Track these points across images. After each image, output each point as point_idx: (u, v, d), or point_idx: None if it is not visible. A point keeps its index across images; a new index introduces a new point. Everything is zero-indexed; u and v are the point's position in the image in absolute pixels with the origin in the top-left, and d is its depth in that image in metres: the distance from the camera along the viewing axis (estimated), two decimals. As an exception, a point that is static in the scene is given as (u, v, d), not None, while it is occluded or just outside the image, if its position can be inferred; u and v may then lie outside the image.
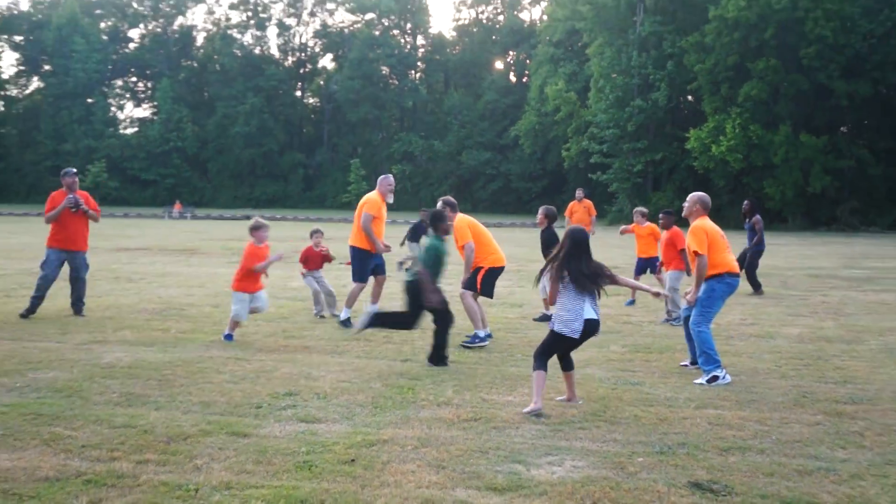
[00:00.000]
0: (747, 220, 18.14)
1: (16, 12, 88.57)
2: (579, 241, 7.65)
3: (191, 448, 6.22)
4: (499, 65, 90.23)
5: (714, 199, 47.71)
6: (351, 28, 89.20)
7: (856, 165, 49.24)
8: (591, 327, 7.47)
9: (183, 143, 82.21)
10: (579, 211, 20.77)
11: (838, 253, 30.72)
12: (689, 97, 56.48)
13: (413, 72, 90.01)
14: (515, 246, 30.04)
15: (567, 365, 7.76)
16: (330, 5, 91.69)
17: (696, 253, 9.10)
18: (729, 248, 9.32)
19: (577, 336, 7.47)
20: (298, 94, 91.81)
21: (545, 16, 79.41)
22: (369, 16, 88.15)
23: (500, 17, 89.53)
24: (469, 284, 10.81)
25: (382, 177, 12.41)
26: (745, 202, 18.70)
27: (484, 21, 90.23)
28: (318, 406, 7.49)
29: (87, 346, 10.10)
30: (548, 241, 13.00)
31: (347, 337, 11.01)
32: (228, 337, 10.55)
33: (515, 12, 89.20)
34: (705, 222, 9.34)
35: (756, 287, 17.28)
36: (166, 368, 8.84)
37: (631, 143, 56.24)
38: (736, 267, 9.42)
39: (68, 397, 7.59)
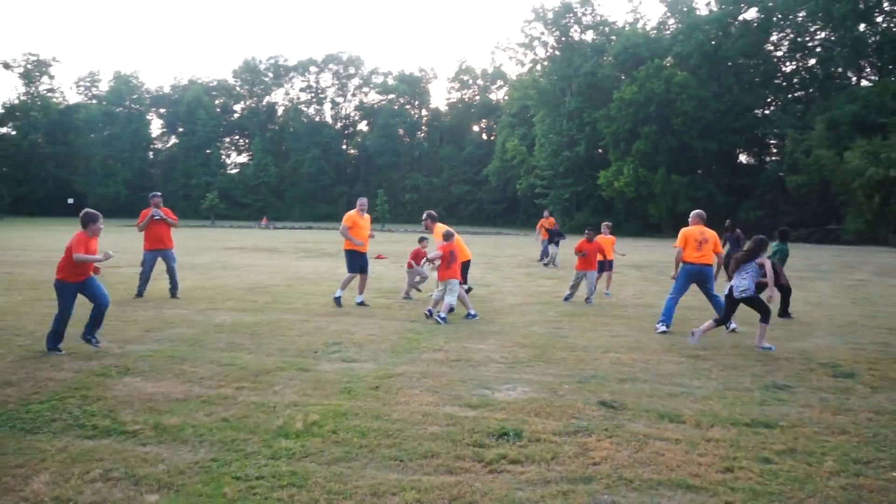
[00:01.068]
0: (730, 233, 17.15)
1: (161, 93, 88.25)
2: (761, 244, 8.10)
3: (271, 379, 6.19)
4: (475, 128, 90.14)
5: (615, 217, 47.76)
6: (378, 104, 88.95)
7: (707, 196, 49.28)
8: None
9: (268, 179, 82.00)
10: (546, 225, 21.32)
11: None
12: (600, 150, 56.40)
13: (419, 132, 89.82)
14: (487, 247, 29.96)
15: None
16: (365, 89, 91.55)
17: (675, 246, 9.23)
18: (700, 247, 9.00)
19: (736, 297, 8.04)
20: (344, 147, 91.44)
21: (506, 96, 79.36)
22: (391, 96, 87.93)
23: (477, 97, 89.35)
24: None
25: (360, 199, 11.69)
26: (728, 221, 17.77)
27: (466, 99, 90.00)
28: (354, 351, 7.45)
29: (204, 311, 10.04)
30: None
31: (377, 305, 10.97)
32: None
33: (487, 94, 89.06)
34: (690, 228, 9.22)
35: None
36: (256, 327, 8.79)
37: (562, 179, 56.19)
38: (696, 259, 9.04)
39: (191, 346, 7.54)
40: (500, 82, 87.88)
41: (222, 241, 30.44)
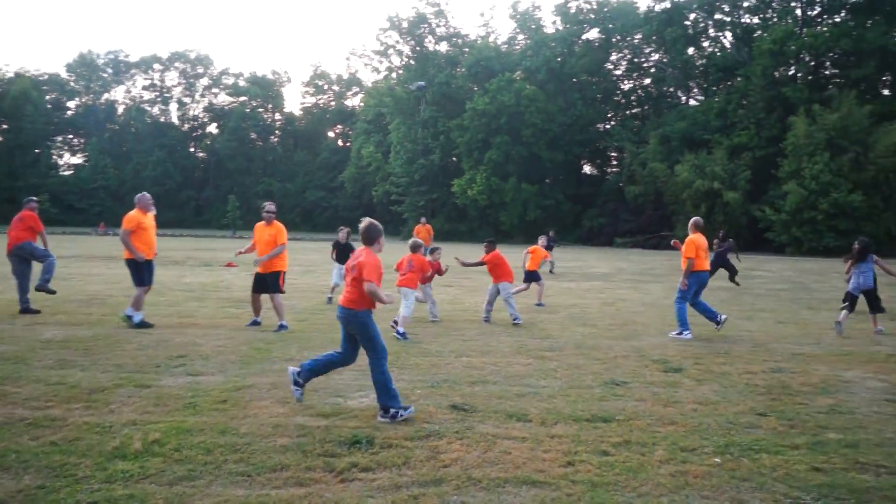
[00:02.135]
0: (725, 241, 17.59)
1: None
2: (866, 246, 10.44)
3: (107, 397, 5.77)
4: (331, 134, 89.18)
5: (468, 223, 48.84)
6: (229, 106, 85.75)
7: (555, 204, 51.79)
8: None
9: (107, 182, 76.55)
10: (422, 231, 21.71)
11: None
12: (454, 158, 57.63)
13: (272, 136, 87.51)
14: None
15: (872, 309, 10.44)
16: (215, 90, 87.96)
17: (687, 256, 9.52)
18: (707, 255, 9.81)
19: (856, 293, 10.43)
20: (192, 149, 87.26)
21: (362, 103, 79.24)
22: (242, 98, 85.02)
23: (332, 103, 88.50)
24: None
25: (140, 194, 9.96)
26: (721, 231, 18.36)
27: (321, 105, 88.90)
28: (201, 364, 7.12)
29: (31, 326, 9.20)
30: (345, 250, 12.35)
31: (226, 315, 10.55)
32: None
33: (342, 100, 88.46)
34: (698, 237, 9.64)
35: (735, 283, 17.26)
36: (91, 341, 8.17)
37: (417, 187, 56.86)
38: (707, 267, 9.84)
39: (15, 364, 6.87)
40: (355, 88, 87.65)
41: (54, 250, 28.00)
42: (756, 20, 47.91)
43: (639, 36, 54.26)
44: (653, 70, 55.78)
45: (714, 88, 50.58)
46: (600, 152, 57.70)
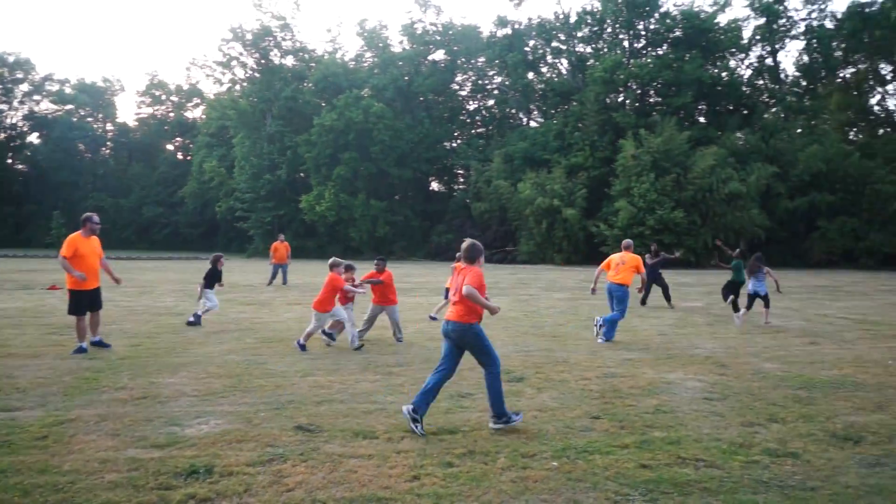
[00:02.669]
0: (657, 256, 16.63)
1: None
2: (759, 259, 13.12)
3: None
4: (169, 147, 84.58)
5: (317, 239, 48.03)
6: (54, 114, 78.98)
7: (404, 220, 52.28)
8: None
9: None
10: (281, 249, 21.25)
11: (398, 273, 32.39)
12: (302, 174, 56.61)
13: (103, 148, 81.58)
14: (187, 272, 28.19)
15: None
16: (37, 97, 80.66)
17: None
18: (618, 269, 10.92)
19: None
20: (9, 161, 79.34)
21: (203, 115, 75.94)
22: (69, 106, 78.65)
23: (171, 114, 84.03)
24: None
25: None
26: (653, 245, 17.54)
27: (158, 116, 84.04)
28: (17, 398, 6.47)
29: None
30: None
31: (48, 343, 9.66)
32: None
33: (182, 111, 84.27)
34: (623, 254, 11.17)
35: (668, 300, 16.30)
36: None
37: (263, 203, 55.23)
38: (615, 280, 11.01)
39: None
40: (196, 100, 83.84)
41: None
42: (589, 49, 51.29)
43: (482, 59, 56.29)
44: (496, 92, 58.05)
45: (553, 111, 53.43)
46: (448, 169, 59.07)
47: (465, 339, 5.82)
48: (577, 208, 40.82)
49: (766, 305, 13.18)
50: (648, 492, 4.35)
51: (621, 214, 37.48)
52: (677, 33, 45.43)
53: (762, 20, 48.44)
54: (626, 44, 48.37)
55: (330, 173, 51.63)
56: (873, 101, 56.22)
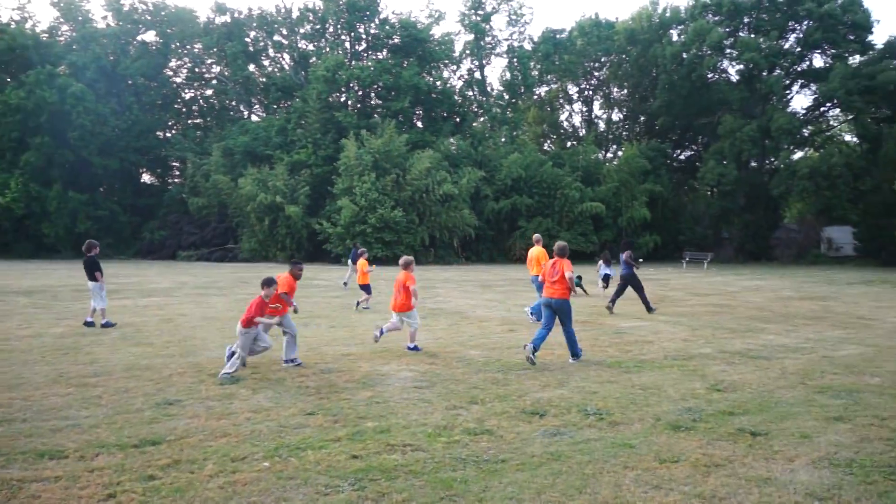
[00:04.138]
0: (620, 254, 15.62)
1: None
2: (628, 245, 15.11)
3: None
4: None
5: (2, 237, 41.74)
6: None
7: (110, 215, 47.55)
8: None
9: None
10: None
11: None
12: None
13: None
14: None
15: None
16: None
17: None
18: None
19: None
20: None
21: None
22: None
23: None
24: None
25: None
26: (624, 242, 17.14)
27: None
28: None
29: None
30: None
31: None
32: None
33: None
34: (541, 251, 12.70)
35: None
36: None
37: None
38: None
39: None
40: None
41: None
42: (311, 47, 51.29)
43: (199, 45, 53.34)
44: (215, 82, 55.38)
45: (275, 106, 52.45)
46: (161, 161, 54.83)
47: (563, 308, 8.95)
48: (301, 206, 40.65)
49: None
50: (357, 481, 4.48)
51: (344, 212, 38.12)
52: (396, 40, 47.42)
53: (471, 36, 52.62)
54: (347, 45, 49.26)
55: (17, 159, 45.06)
56: (563, 117, 64.33)
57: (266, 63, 54.27)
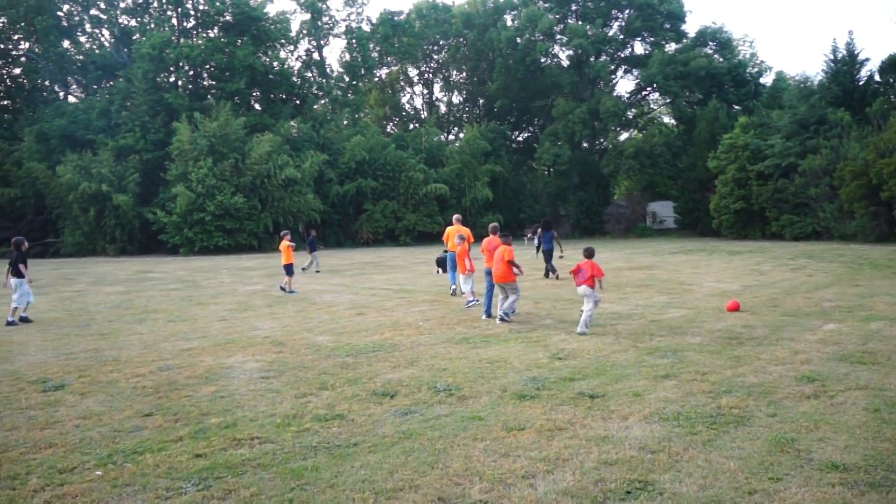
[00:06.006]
0: (545, 231, 18.69)
1: None
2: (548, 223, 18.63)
3: None
4: None
5: None
6: None
7: None
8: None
9: None
10: None
11: None
12: None
13: None
14: None
15: None
16: None
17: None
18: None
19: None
20: None
21: None
22: None
23: None
24: None
25: None
26: (544, 220, 20.23)
27: None
28: None
29: None
30: None
31: None
32: None
33: None
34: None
35: (551, 271, 18.00)
36: None
37: None
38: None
39: None
40: None
41: None
42: (134, 23, 47.78)
43: (3, 19, 48.01)
44: (23, 59, 50.17)
45: (95, 86, 48.39)
46: (-38, 149, 49.16)
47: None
48: (130, 194, 37.95)
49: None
50: (202, 480, 4.28)
51: (179, 200, 36.06)
52: (228, 17, 45.25)
53: (307, 16, 51.35)
54: (174, 21, 46.37)
55: None
56: (404, 99, 64.64)
57: (83, 40, 49.86)
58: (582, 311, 9.77)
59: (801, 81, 41.76)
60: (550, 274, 17.84)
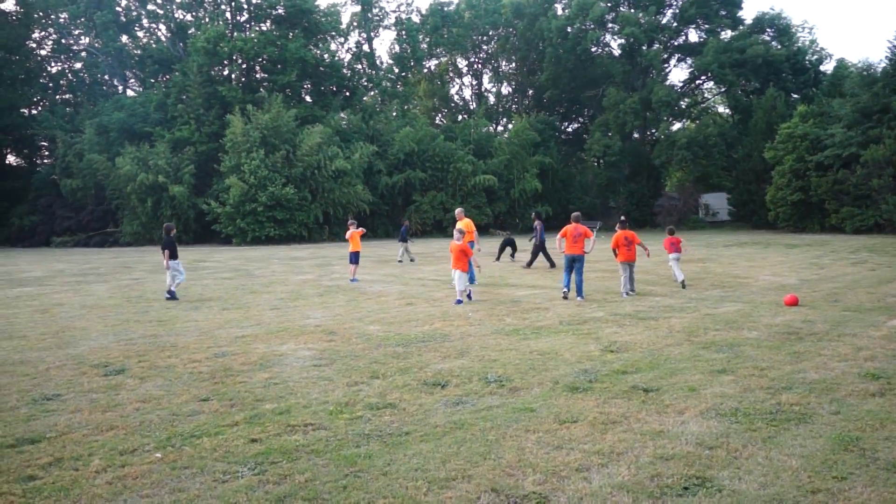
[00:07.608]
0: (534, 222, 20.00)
1: None
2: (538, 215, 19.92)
3: None
4: None
5: None
6: None
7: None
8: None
9: None
10: None
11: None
12: None
13: None
14: None
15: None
16: None
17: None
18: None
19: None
20: None
21: None
22: None
23: None
24: None
25: None
26: (534, 213, 21.51)
27: None
28: None
29: None
30: None
31: None
32: None
33: None
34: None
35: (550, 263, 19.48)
36: None
37: None
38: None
39: None
40: None
41: None
42: (189, 17, 48.79)
43: (65, 15, 49.58)
44: (84, 54, 51.75)
45: (152, 80, 49.63)
46: (28, 140, 50.94)
47: (579, 261, 12.13)
48: (186, 185, 38.87)
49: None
50: (257, 465, 4.34)
51: (232, 191, 36.77)
52: (280, 11, 45.82)
53: (358, 8, 51.64)
54: (228, 15, 47.16)
55: None
56: (453, 90, 64.58)
57: (140, 34, 51.21)
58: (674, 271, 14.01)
59: (863, 69, 40.11)
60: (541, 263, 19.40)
